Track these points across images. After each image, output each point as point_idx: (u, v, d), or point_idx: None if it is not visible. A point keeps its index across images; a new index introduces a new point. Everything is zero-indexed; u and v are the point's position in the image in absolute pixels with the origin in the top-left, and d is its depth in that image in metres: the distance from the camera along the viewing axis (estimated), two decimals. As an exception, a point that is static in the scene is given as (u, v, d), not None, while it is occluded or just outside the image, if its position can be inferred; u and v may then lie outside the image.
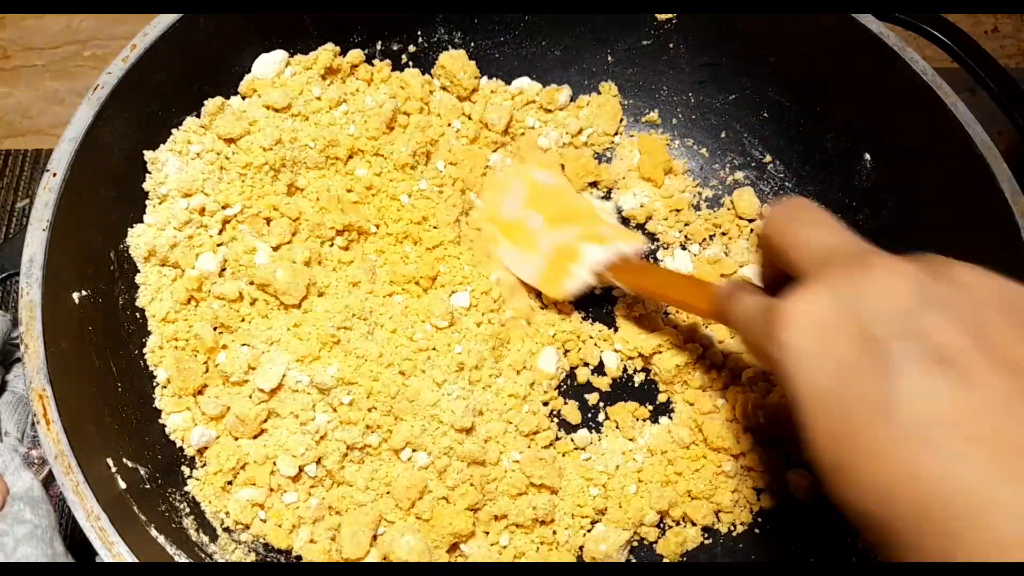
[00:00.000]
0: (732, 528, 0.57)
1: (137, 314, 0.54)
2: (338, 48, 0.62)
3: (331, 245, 0.60)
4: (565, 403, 0.60)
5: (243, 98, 0.61)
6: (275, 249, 0.58)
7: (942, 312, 0.28)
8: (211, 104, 0.58)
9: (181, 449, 0.53)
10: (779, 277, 0.40)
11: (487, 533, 0.54)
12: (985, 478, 0.24)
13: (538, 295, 0.63)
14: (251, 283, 0.56)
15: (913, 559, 0.26)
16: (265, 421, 0.53)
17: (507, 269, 0.63)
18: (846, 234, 0.34)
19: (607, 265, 0.59)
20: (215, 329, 0.55)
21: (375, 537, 0.52)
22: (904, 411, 0.26)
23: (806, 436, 0.30)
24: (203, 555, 0.50)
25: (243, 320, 0.56)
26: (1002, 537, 0.23)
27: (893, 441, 0.26)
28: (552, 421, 0.59)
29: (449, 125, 0.66)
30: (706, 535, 0.56)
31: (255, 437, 0.53)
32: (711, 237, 0.67)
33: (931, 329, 0.27)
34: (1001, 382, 0.26)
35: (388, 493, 0.53)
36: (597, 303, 0.64)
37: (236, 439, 0.53)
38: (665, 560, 0.55)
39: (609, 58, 0.70)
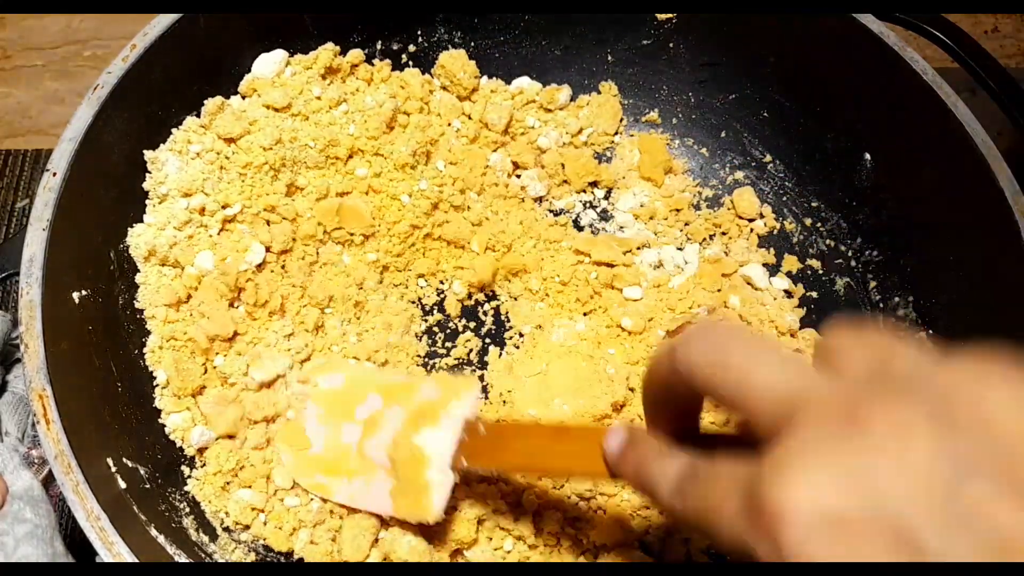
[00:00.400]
0: (732, 528, 0.56)
1: (137, 314, 0.54)
2: (338, 48, 0.62)
3: (333, 244, 0.60)
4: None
5: (243, 98, 0.61)
6: (277, 253, 0.58)
7: (980, 479, 0.22)
8: (211, 104, 0.58)
9: (181, 449, 0.53)
10: (680, 415, 0.34)
11: (490, 539, 0.54)
12: None
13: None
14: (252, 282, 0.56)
15: None
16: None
17: (352, 509, 0.51)
18: (804, 368, 0.27)
19: (456, 451, 0.47)
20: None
21: (376, 540, 0.52)
22: None
23: None
24: (203, 555, 0.50)
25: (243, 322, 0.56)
26: None
27: None
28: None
29: (449, 125, 0.66)
30: (706, 535, 0.56)
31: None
32: (711, 237, 0.67)
33: (977, 508, 0.21)
34: None
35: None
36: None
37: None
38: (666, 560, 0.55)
39: (609, 58, 0.70)
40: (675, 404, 0.33)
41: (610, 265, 0.63)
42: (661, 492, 0.32)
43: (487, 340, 0.62)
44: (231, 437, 0.53)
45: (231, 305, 0.56)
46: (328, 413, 0.53)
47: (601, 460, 0.37)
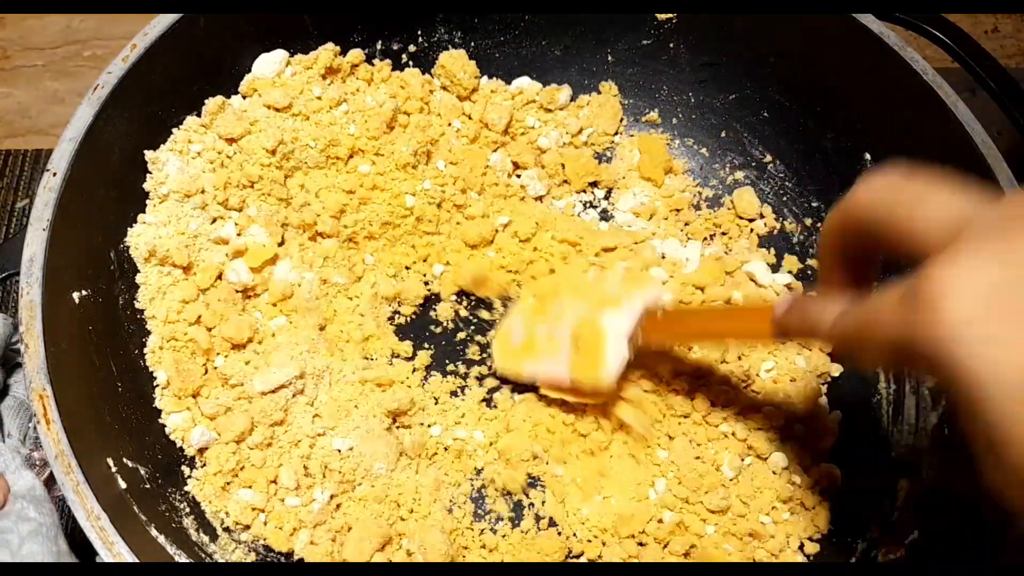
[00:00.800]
0: (732, 528, 0.57)
1: (137, 314, 0.54)
2: (338, 48, 0.62)
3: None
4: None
5: (244, 97, 0.61)
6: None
7: None
8: (212, 103, 0.58)
9: (181, 449, 0.53)
10: (855, 266, 0.36)
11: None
12: None
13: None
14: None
15: None
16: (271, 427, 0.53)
17: (534, 383, 0.58)
18: (971, 196, 0.28)
19: (637, 329, 0.54)
20: (210, 330, 0.54)
21: (381, 548, 0.52)
22: None
23: (1000, 435, 0.24)
24: (203, 555, 0.50)
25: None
26: None
27: None
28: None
29: (449, 125, 0.66)
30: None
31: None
32: (711, 236, 0.67)
33: None
34: None
35: (402, 520, 0.53)
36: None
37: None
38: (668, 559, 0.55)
39: (609, 58, 0.70)
40: (851, 253, 0.36)
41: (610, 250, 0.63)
42: (822, 327, 0.36)
43: (487, 340, 0.62)
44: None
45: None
46: (527, 318, 0.59)
47: (766, 324, 0.43)
